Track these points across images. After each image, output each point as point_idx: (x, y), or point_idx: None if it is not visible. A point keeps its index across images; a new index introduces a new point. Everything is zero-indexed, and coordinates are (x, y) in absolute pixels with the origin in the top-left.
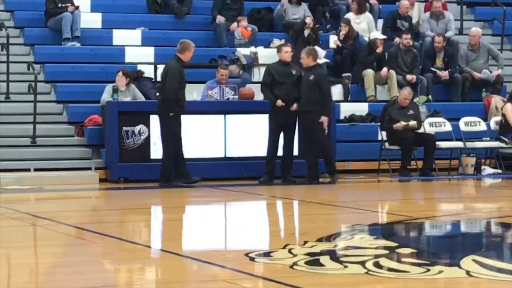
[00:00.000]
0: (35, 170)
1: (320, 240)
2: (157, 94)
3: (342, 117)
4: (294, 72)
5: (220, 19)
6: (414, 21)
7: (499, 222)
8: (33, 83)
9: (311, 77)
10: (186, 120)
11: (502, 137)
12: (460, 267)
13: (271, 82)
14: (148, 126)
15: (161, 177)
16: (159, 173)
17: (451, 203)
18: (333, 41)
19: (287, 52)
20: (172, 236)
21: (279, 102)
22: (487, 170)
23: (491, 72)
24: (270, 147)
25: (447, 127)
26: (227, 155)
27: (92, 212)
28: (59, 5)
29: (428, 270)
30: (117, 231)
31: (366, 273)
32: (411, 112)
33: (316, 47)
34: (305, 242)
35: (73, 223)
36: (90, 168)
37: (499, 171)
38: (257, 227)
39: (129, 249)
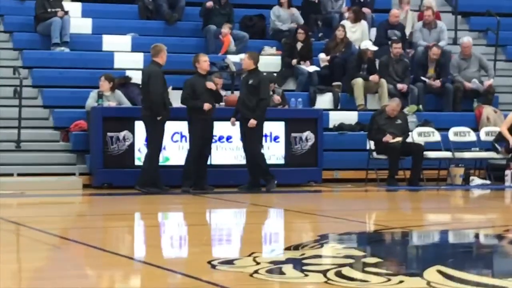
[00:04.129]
0: (19, 175)
1: (288, 248)
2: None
3: (331, 125)
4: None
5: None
6: (407, 30)
7: (478, 233)
8: (18, 88)
9: (250, 81)
10: (171, 127)
11: (495, 144)
12: (422, 278)
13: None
14: (132, 132)
15: (140, 182)
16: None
17: (435, 213)
18: (321, 58)
19: (206, 61)
20: (142, 243)
21: (207, 106)
22: (476, 180)
23: (482, 82)
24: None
25: (436, 137)
26: (212, 163)
27: (70, 218)
28: (49, 10)
29: (389, 280)
30: (91, 237)
31: (326, 282)
32: (399, 121)
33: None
34: (273, 250)
35: (46, 228)
36: (74, 174)
37: (488, 182)
38: (229, 234)
39: (95, 255)
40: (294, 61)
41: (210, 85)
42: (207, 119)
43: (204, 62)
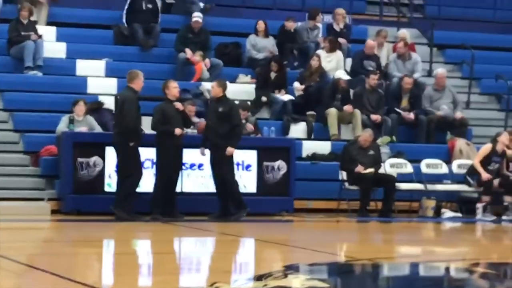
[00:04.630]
0: None
1: (251, 278)
2: (114, 125)
3: (304, 155)
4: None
5: (188, 52)
6: (383, 61)
7: (448, 266)
8: None
9: (220, 109)
10: (142, 153)
11: (468, 177)
12: None
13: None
14: (103, 158)
15: (119, 206)
16: (113, 205)
17: (405, 245)
18: (296, 88)
19: (176, 88)
20: (109, 271)
21: (178, 131)
22: (447, 213)
23: (453, 110)
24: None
25: (408, 168)
26: (183, 190)
27: (36, 244)
28: (22, 33)
29: None
30: (57, 264)
31: None
32: (371, 152)
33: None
34: (236, 281)
35: (11, 254)
36: (43, 199)
37: (459, 214)
38: (195, 263)
39: (51, 281)
40: (264, 99)
41: (178, 105)
42: (177, 145)
43: (173, 88)
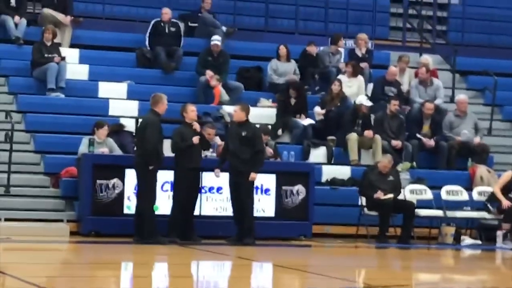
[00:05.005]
0: (6, 220)
1: None
2: (135, 148)
3: (324, 180)
4: (243, 133)
5: (208, 74)
6: (404, 87)
7: None
8: (9, 132)
9: (244, 133)
10: (161, 176)
11: (488, 205)
12: None
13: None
14: (123, 180)
15: (141, 232)
16: (132, 228)
17: (424, 272)
18: (316, 112)
19: (193, 111)
20: None
21: (195, 139)
22: (467, 240)
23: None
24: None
25: (428, 195)
26: (201, 213)
27: (53, 266)
28: (46, 55)
29: None
30: (69, 286)
31: None
32: (391, 178)
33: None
34: None
35: (27, 276)
36: (62, 220)
37: (479, 242)
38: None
39: None
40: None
41: (195, 125)
42: (195, 167)
43: (191, 111)
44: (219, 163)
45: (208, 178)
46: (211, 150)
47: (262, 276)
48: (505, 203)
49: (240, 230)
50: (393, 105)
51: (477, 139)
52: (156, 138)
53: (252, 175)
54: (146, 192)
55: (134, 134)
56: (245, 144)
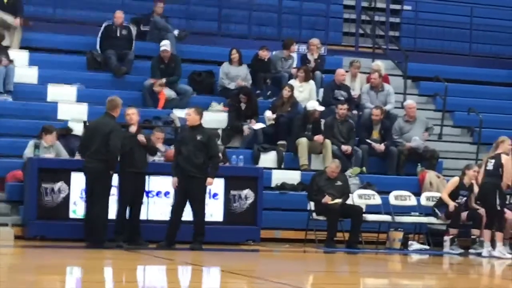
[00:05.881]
0: None
1: None
2: (78, 153)
3: (273, 184)
4: (198, 137)
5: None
6: (356, 92)
7: None
8: None
9: (199, 137)
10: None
11: (436, 210)
12: None
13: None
14: (68, 184)
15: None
16: (77, 232)
17: (371, 277)
18: (267, 117)
19: (129, 115)
20: None
21: (133, 128)
22: (414, 245)
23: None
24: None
25: (377, 200)
26: (148, 218)
27: None
28: None
29: None
30: None
31: None
32: (339, 183)
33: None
34: None
35: None
36: (7, 225)
37: (427, 247)
38: None
39: None
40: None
41: (132, 128)
42: (139, 172)
43: (127, 115)
44: (174, 171)
45: (155, 183)
46: (159, 154)
47: (208, 281)
48: (452, 204)
49: (172, 236)
50: (341, 110)
51: (425, 134)
52: (120, 144)
53: (209, 180)
54: (102, 197)
55: (80, 137)
56: (199, 149)
